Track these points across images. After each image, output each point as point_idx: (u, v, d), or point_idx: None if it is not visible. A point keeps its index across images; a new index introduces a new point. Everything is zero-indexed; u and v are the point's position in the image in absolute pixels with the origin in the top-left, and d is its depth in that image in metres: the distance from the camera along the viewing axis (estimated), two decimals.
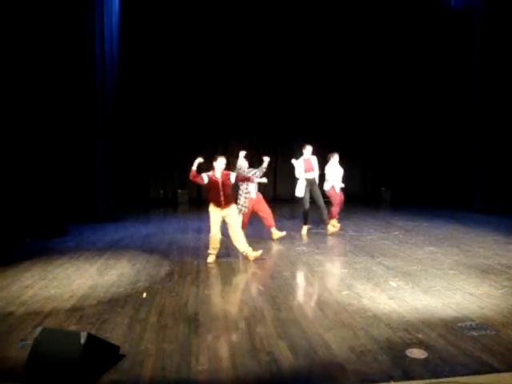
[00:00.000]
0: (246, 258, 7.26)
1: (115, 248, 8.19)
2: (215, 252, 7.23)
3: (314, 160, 9.49)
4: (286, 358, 3.90)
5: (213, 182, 7.10)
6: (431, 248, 7.96)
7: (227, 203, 7.14)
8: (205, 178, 7.14)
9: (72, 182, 10.55)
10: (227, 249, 7.97)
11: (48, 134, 9.22)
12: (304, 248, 8.12)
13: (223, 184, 7.08)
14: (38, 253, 7.82)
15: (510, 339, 4.20)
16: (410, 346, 4.08)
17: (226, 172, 7.19)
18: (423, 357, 3.88)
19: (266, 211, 8.73)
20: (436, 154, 14.90)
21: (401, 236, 9.18)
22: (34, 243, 8.65)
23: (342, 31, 14.30)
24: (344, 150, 15.25)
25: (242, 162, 8.57)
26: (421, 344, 4.11)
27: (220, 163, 7.11)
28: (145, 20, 13.16)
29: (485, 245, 8.17)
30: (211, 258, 7.21)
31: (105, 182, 10.94)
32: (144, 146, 14.24)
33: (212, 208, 7.20)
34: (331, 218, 9.70)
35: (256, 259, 7.19)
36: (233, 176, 7.20)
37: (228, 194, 7.15)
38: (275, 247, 8.26)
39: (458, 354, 3.93)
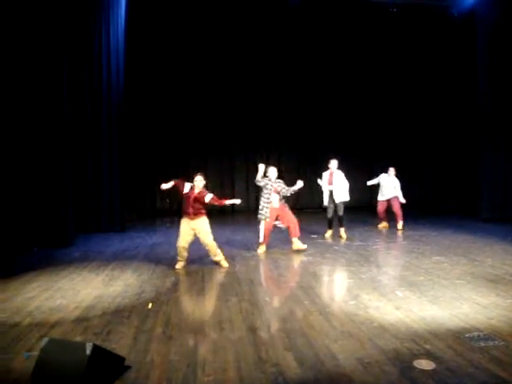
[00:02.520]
0: (217, 264, 7.53)
1: (121, 258, 8.19)
2: (183, 260, 7.49)
3: (338, 174, 9.92)
4: (292, 369, 3.87)
5: (189, 194, 7.36)
6: (438, 258, 7.91)
7: (195, 215, 7.34)
8: (187, 187, 7.42)
9: (78, 192, 10.58)
10: (233, 259, 7.98)
11: (55, 144, 9.28)
12: (310, 258, 8.09)
13: (195, 199, 7.31)
14: (43, 263, 7.82)
15: None
16: (417, 356, 4.04)
17: (203, 190, 7.41)
18: (431, 368, 3.84)
19: (290, 221, 8.63)
20: (443, 164, 14.90)
21: (407, 245, 9.15)
22: (39, 254, 8.66)
23: (350, 43, 14.40)
24: (350, 161, 15.45)
25: (271, 172, 8.67)
26: (428, 355, 4.07)
27: (198, 181, 7.39)
28: (150, 32, 13.27)
29: (492, 254, 8.11)
30: (179, 265, 7.47)
31: (111, 192, 10.97)
32: (150, 155, 14.33)
33: (183, 220, 7.45)
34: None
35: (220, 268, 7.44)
36: (208, 197, 7.34)
37: (197, 208, 7.34)
38: (281, 257, 8.24)
39: (466, 365, 3.89)
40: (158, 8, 12.80)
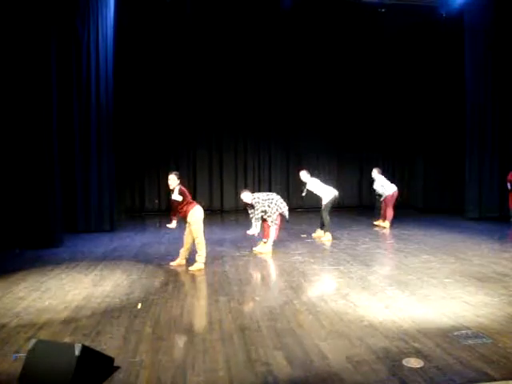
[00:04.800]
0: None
1: (110, 258, 8.15)
2: (183, 255, 7.49)
3: (311, 184, 9.92)
4: (282, 368, 3.88)
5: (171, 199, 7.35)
6: (426, 256, 7.97)
7: (184, 215, 7.29)
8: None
9: (67, 191, 10.50)
10: (222, 259, 7.97)
11: (43, 143, 9.19)
12: (299, 257, 8.10)
13: (173, 200, 7.26)
14: (31, 263, 7.76)
15: (506, 348, 4.19)
16: (406, 355, 4.07)
17: (177, 188, 7.27)
18: (420, 366, 3.87)
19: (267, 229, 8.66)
20: (430, 163, 14.97)
21: (396, 245, 9.20)
22: (27, 254, 8.57)
23: (339, 42, 14.39)
24: (340, 160, 15.51)
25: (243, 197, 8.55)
26: (417, 353, 4.10)
27: (171, 180, 7.28)
28: (138, 28, 13.10)
29: (480, 253, 8.19)
30: (175, 262, 7.50)
31: (100, 191, 10.90)
32: (139, 155, 14.25)
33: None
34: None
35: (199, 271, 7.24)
36: (174, 192, 7.21)
37: (180, 210, 7.22)
38: (270, 257, 8.24)
39: (455, 362, 3.92)
40: (146, 5, 12.73)
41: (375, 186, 11.41)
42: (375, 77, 15.06)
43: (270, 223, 8.43)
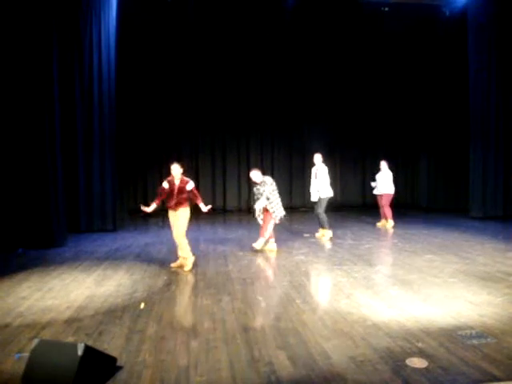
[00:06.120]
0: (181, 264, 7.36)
1: (113, 258, 8.15)
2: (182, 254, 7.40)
3: (320, 169, 9.82)
4: (285, 368, 3.86)
5: (171, 187, 7.30)
6: (430, 256, 7.94)
7: (177, 206, 7.24)
8: (165, 184, 7.34)
9: (70, 191, 10.52)
10: (225, 259, 7.96)
11: (45, 143, 9.20)
12: (302, 257, 8.09)
13: (179, 190, 7.23)
14: (34, 263, 7.77)
15: (511, 347, 4.17)
16: (410, 355, 4.05)
17: (185, 179, 7.32)
18: (423, 366, 3.85)
19: (266, 223, 8.66)
20: (434, 162, 14.95)
21: (399, 244, 9.17)
22: (30, 254, 8.59)
23: (343, 40, 14.40)
24: (343, 158, 15.50)
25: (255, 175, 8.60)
26: (421, 353, 4.08)
27: (174, 170, 7.27)
28: (141, 25, 13.08)
29: (484, 252, 8.16)
30: (175, 263, 7.42)
31: (103, 191, 10.93)
32: (142, 154, 14.27)
33: (169, 213, 7.39)
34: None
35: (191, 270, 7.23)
36: (190, 185, 7.29)
37: (180, 199, 7.22)
38: (274, 256, 8.23)
39: (459, 362, 3.90)
40: (148, 5, 12.73)
41: (380, 179, 11.35)
42: (379, 75, 15.06)
43: (271, 211, 8.45)
